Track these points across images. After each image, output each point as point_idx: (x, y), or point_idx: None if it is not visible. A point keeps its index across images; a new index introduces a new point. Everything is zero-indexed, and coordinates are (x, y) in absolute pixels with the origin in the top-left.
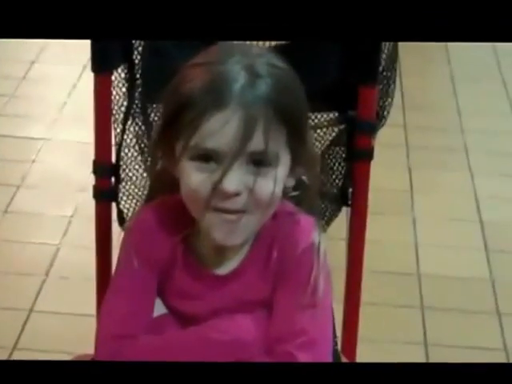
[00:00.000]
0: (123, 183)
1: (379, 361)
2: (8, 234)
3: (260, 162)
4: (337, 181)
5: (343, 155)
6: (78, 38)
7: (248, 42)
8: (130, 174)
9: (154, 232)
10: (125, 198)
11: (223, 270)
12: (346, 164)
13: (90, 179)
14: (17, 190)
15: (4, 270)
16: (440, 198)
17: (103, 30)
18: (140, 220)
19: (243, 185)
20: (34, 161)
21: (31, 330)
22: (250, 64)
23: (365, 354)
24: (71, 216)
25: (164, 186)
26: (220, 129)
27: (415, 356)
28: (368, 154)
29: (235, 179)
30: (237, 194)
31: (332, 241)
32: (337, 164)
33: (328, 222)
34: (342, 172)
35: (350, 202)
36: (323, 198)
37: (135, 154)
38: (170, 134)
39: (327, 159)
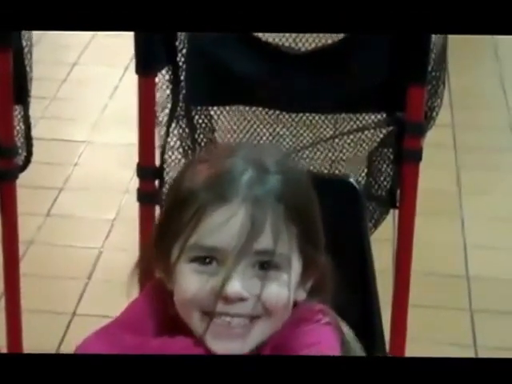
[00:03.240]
0: (167, 186)
1: None
2: (50, 237)
3: (267, 264)
4: (385, 183)
5: (391, 157)
6: (122, 29)
7: (255, 142)
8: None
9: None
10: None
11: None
12: (394, 166)
13: (132, 182)
14: (59, 193)
15: (46, 274)
16: (489, 199)
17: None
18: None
19: (249, 289)
20: (76, 164)
21: (74, 334)
22: (258, 159)
23: (414, 354)
24: (113, 219)
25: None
26: (223, 225)
27: None
28: (416, 156)
29: (239, 282)
30: (241, 299)
31: (378, 242)
32: (385, 166)
33: (376, 225)
34: (390, 174)
35: (397, 204)
36: (371, 200)
37: (179, 156)
38: (168, 236)
39: (375, 161)
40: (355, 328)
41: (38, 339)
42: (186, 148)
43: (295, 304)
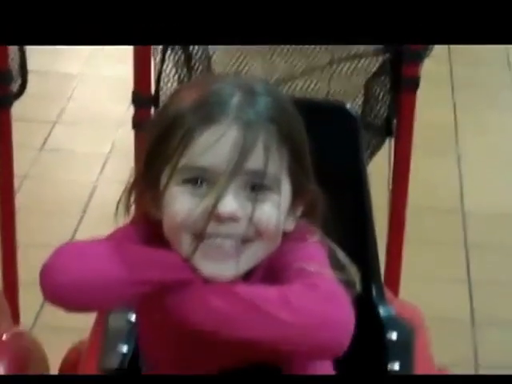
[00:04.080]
0: None
1: (421, 297)
2: (44, 171)
3: (259, 186)
4: (381, 111)
5: (388, 85)
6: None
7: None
8: None
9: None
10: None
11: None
12: (391, 94)
13: (127, 115)
14: (53, 127)
15: (41, 208)
16: (486, 136)
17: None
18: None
19: (241, 208)
20: (70, 97)
21: None
22: (247, 83)
23: (408, 289)
24: (108, 152)
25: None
26: (213, 145)
27: (459, 293)
28: (414, 84)
29: (231, 201)
30: (234, 219)
31: (374, 176)
32: (381, 94)
33: (371, 155)
34: (387, 102)
35: (394, 134)
36: (367, 128)
37: (175, 84)
38: (157, 162)
39: (372, 89)
40: (351, 258)
41: (33, 273)
42: (182, 76)
43: (284, 234)
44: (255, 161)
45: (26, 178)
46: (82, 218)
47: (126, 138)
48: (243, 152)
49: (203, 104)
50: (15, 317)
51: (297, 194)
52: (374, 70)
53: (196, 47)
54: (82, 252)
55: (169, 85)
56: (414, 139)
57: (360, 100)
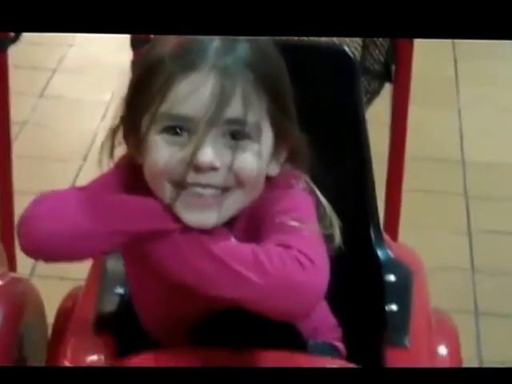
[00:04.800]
0: None
1: (421, 246)
2: (44, 119)
3: (238, 134)
4: (380, 56)
5: None
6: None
7: None
8: None
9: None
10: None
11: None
12: (390, 39)
13: (127, 63)
14: (53, 74)
15: (40, 156)
16: (486, 87)
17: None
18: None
19: (220, 158)
20: (71, 45)
21: None
22: None
23: (408, 238)
24: (109, 101)
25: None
26: (192, 93)
27: (459, 243)
28: None
29: (210, 150)
30: (213, 168)
31: (374, 125)
32: (380, 39)
33: (370, 100)
34: (385, 47)
35: (392, 80)
36: (366, 73)
37: None
38: (137, 108)
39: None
40: (351, 206)
41: None
42: None
43: (269, 178)
44: (234, 109)
45: (25, 124)
46: (82, 165)
47: (126, 85)
48: (221, 101)
49: (183, 50)
50: (12, 264)
51: (279, 138)
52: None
53: None
54: (56, 203)
55: None
56: (414, 90)
57: (359, 46)
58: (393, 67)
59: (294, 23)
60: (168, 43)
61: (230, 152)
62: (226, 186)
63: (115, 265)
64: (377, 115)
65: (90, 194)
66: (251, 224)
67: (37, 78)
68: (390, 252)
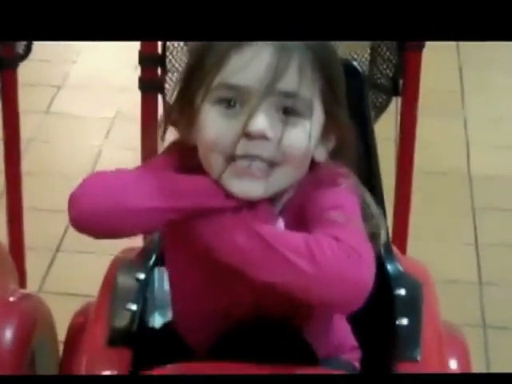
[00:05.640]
0: (169, 74)
1: (429, 259)
2: (49, 135)
3: (291, 110)
4: (388, 71)
5: (394, 44)
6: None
7: None
8: (177, 65)
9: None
10: (171, 89)
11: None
12: (398, 53)
13: (131, 80)
14: (57, 91)
15: (46, 172)
16: (492, 99)
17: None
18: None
19: (271, 130)
20: (74, 61)
21: (74, 232)
22: None
23: (415, 251)
24: (113, 117)
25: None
26: (249, 63)
27: (466, 255)
28: (420, 43)
29: (263, 119)
30: (264, 137)
31: (379, 141)
32: (388, 53)
33: (377, 115)
34: (393, 61)
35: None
36: (374, 87)
37: (181, 43)
38: (192, 82)
39: (378, 49)
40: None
41: (38, 237)
42: None
43: (316, 164)
44: (288, 82)
45: (30, 141)
46: None
47: (130, 102)
48: (277, 72)
49: None
50: (21, 281)
51: (329, 122)
52: None
53: None
54: (111, 180)
55: (175, 44)
56: (420, 102)
57: (367, 60)
58: (400, 81)
59: (303, 27)
60: None
61: (281, 126)
62: (274, 161)
63: (126, 281)
64: (382, 130)
65: (145, 171)
66: (298, 217)
67: (42, 95)
68: (399, 265)
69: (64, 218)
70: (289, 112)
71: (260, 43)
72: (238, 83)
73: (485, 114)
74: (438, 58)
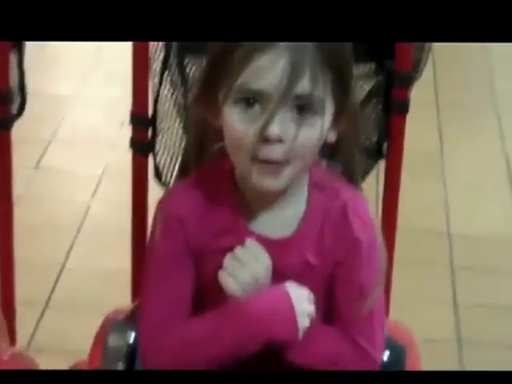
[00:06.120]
0: (160, 136)
1: (407, 318)
2: (38, 190)
3: (305, 108)
4: (373, 134)
5: (379, 107)
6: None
7: None
8: (167, 127)
9: (193, 216)
10: (161, 151)
11: (276, 231)
12: (383, 117)
13: (120, 137)
14: (47, 147)
15: (35, 226)
16: (471, 159)
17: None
18: (175, 203)
19: (287, 132)
20: (64, 117)
21: (63, 287)
22: None
23: (395, 312)
24: (102, 174)
25: (202, 146)
26: (267, 69)
27: (445, 317)
28: (404, 107)
29: (280, 123)
30: (280, 141)
31: None
32: (373, 116)
33: (363, 176)
34: (379, 125)
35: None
36: (359, 151)
37: (172, 106)
38: (215, 78)
39: (363, 112)
40: None
41: (28, 290)
42: (179, 98)
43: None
44: (303, 85)
45: (20, 196)
46: (76, 237)
47: (118, 159)
48: (292, 77)
49: None
50: (12, 337)
51: (338, 109)
52: (366, 92)
53: (193, 68)
54: (187, 339)
55: (166, 106)
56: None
57: None
58: (385, 144)
59: (296, 28)
60: None
61: (295, 126)
62: (288, 160)
63: (117, 342)
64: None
65: (217, 320)
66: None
67: (31, 151)
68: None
69: (51, 274)
70: (303, 110)
71: (276, 49)
72: (257, 87)
73: (464, 173)
74: (417, 118)
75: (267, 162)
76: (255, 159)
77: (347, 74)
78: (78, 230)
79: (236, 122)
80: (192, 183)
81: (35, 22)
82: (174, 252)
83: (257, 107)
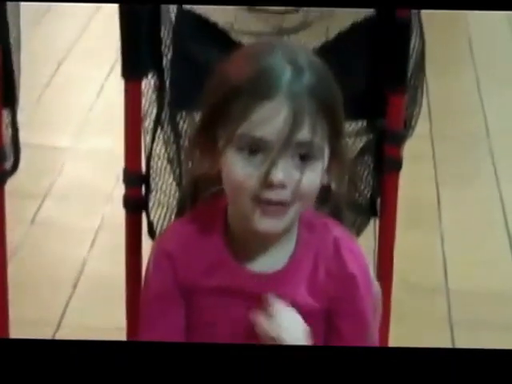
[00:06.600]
0: (153, 193)
1: None
2: (35, 245)
3: (306, 155)
4: (365, 191)
5: (371, 165)
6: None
7: (285, 38)
8: (160, 184)
9: (182, 252)
10: (155, 207)
11: (266, 268)
12: (375, 174)
13: (117, 190)
14: (43, 201)
15: (31, 282)
16: (469, 212)
17: None
18: (165, 240)
19: (289, 177)
20: (60, 171)
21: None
22: (294, 58)
23: None
24: (98, 227)
25: (197, 191)
26: (269, 118)
27: None
28: (396, 164)
29: (282, 170)
30: (282, 186)
31: None
32: (365, 174)
33: (358, 233)
34: (371, 182)
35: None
36: (352, 208)
37: (165, 163)
38: (214, 125)
39: (355, 169)
40: None
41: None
42: (171, 154)
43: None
44: (303, 133)
45: (16, 251)
46: (72, 291)
47: (115, 213)
48: (293, 126)
49: (258, 80)
50: None
51: (333, 152)
52: (358, 150)
53: (185, 126)
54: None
55: (159, 164)
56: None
57: (346, 180)
58: (378, 200)
59: None
60: (243, 70)
61: (297, 172)
62: (290, 202)
63: None
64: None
65: None
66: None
67: (26, 205)
68: None
69: (47, 332)
70: (304, 158)
71: (276, 99)
72: (260, 136)
73: (462, 226)
74: (413, 171)
75: (270, 203)
76: (258, 200)
77: (340, 119)
78: (75, 285)
79: (239, 169)
80: (184, 222)
81: None
82: (164, 287)
83: (259, 155)
